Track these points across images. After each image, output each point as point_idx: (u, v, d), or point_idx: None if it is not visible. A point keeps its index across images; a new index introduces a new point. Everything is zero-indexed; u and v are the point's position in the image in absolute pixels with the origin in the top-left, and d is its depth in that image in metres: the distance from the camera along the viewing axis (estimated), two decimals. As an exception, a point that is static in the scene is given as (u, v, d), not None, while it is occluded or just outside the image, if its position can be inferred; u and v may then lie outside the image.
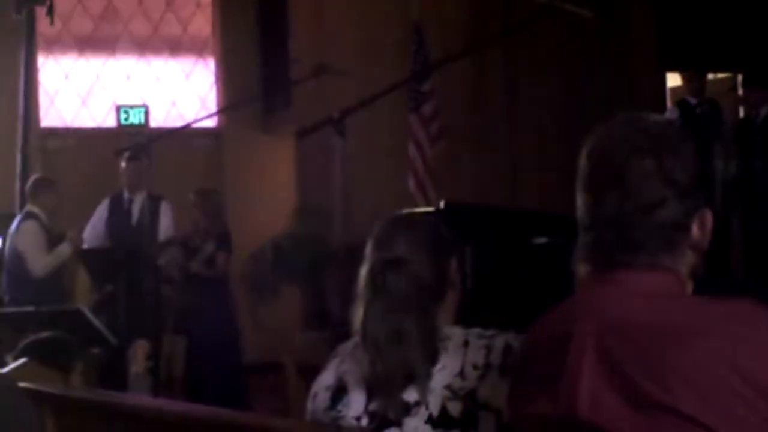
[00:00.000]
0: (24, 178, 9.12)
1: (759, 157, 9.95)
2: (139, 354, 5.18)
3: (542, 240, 5.39)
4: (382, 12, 11.33)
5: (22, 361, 4.03)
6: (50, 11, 8.97)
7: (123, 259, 8.55)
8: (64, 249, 8.78)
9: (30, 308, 7.22)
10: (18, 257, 8.60)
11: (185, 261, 9.15)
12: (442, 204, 5.57)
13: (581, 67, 11.66)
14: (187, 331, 9.22)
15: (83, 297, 9.28)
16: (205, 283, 9.15)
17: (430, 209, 6.45)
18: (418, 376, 2.72)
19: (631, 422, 1.99)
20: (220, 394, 8.60)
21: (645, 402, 1.97)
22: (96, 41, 12.15)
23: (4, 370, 3.81)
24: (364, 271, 2.82)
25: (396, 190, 10.30)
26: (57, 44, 11.92)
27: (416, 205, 9.30)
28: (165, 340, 9.16)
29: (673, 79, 12.60)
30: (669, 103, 12.07)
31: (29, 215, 8.74)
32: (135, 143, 7.98)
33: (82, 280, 9.42)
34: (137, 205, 9.11)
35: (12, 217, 8.95)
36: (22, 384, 3.53)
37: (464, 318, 2.96)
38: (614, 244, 2.15)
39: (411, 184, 10.14)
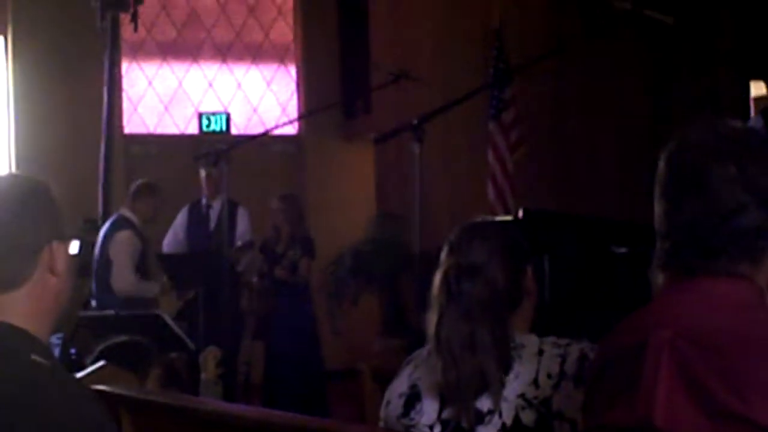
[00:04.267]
0: (106, 185, 9.18)
1: None
2: (209, 361, 5.19)
3: (622, 249, 5.33)
4: (462, 18, 11.30)
5: (99, 364, 4.07)
6: (134, 18, 9.04)
7: (201, 264, 8.58)
8: (152, 288, 8.60)
9: (110, 312, 7.26)
10: (106, 265, 8.48)
11: (268, 267, 9.16)
12: (520, 212, 5.53)
13: (663, 75, 11.54)
14: (267, 337, 9.24)
15: (167, 303, 9.36)
16: (286, 289, 9.16)
17: (509, 217, 6.41)
18: (492, 384, 2.70)
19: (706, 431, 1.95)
20: (298, 400, 8.62)
21: (721, 412, 1.94)
22: (179, 48, 12.27)
23: (82, 373, 3.84)
24: (438, 277, 2.80)
25: (475, 197, 10.26)
26: (141, 51, 12.06)
27: (495, 213, 9.26)
28: (244, 346, 9.19)
29: (757, 88, 12.43)
30: (753, 112, 11.91)
31: (124, 221, 8.56)
32: (213, 149, 8.02)
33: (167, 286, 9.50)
34: (215, 211, 9.17)
35: (94, 223, 9.02)
36: (99, 387, 3.56)
37: (541, 327, 2.93)
38: (692, 251, 2.11)
39: (490, 191, 10.08)
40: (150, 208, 8.70)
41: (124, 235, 8.46)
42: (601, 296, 5.21)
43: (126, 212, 8.61)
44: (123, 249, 8.46)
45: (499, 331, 2.73)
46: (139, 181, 8.85)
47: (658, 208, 2.20)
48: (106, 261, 8.48)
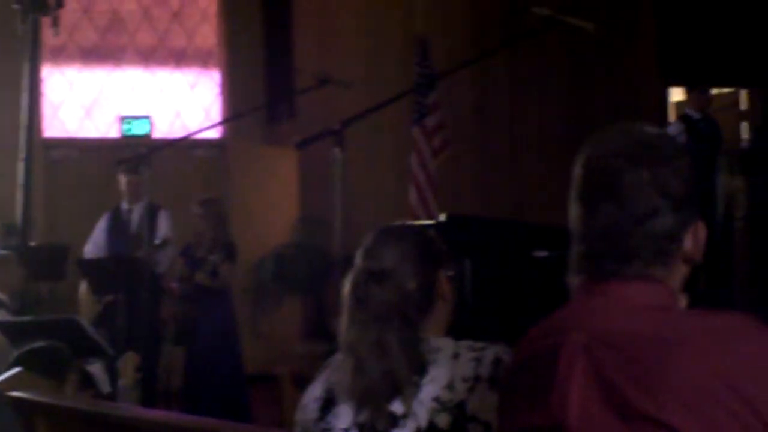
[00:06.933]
0: (26, 189, 9.06)
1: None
2: (128, 366, 5.15)
3: (543, 253, 5.37)
4: (387, 24, 11.33)
5: (15, 370, 4.01)
6: (55, 22, 8.93)
7: (121, 269, 8.51)
8: None
9: (27, 317, 7.14)
10: None
11: (189, 272, 9.12)
12: (442, 216, 5.55)
13: (585, 80, 11.65)
14: (188, 342, 9.18)
15: (87, 308, 9.27)
16: (207, 294, 9.12)
17: (431, 222, 6.43)
18: (403, 388, 2.70)
19: (619, 434, 1.96)
20: (219, 405, 8.58)
21: (633, 414, 1.95)
22: (101, 52, 12.17)
23: (-2, 380, 3.79)
24: (348, 282, 2.81)
25: (398, 202, 10.29)
26: (62, 55, 11.95)
27: (417, 217, 9.29)
28: (164, 351, 9.14)
29: (677, 94, 12.61)
30: (672, 118, 12.07)
31: None
32: (134, 154, 7.95)
33: (85, 291, 9.41)
34: (136, 215, 9.13)
35: (14, 228, 8.91)
36: (14, 393, 3.51)
37: (463, 330, 2.94)
38: (607, 254, 2.13)
39: (413, 196, 10.11)
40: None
41: None
42: (522, 300, 5.24)
43: None
44: None
45: (409, 335, 2.74)
46: None
47: (573, 211, 2.22)
48: None
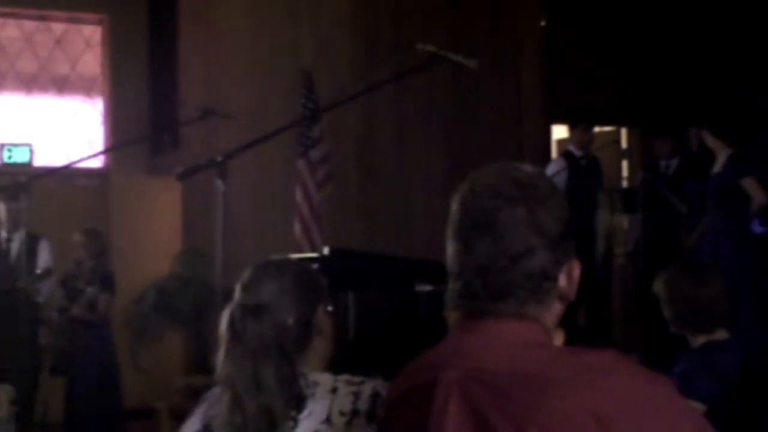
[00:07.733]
0: None
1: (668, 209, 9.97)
2: (2, 398, 5.05)
3: (426, 287, 5.39)
4: (273, 57, 11.32)
5: None
6: (-65, 46, 8.80)
7: (-1, 299, 8.38)
8: None
9: None
10: None
11: (67, 303, 9.00)
12: (326, 250, 5.56)
13: (470, 115, 11.76)
14: (67, 374, 9.05)
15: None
16: (86, 326, 9.02)
17: (314, 255, 6.43)
18: (280, 423, 2.69)
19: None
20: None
21: (507, 451, 1.96)
22: (-19, 78, 11.97)
23: None
24: (224, 317, 2.79)
25: (282, 235, 10.25)
26: (-59, 80, 11.73)
27: (301, 251, 9.27)
28: (42, 383, 8.99)
29: (559, 131, 12.80)
30: (554, 154, 12.25)
31: None
32: (14, 182, 7.83)
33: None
34: (15, 244, 8.99)
35: None
36: None
37: (345, 363, 2.94)
38: (482, 291, 2.14)
39: (297, 229, 10.08)
40: None
41: None
42: (405, 333, 5.25)
43: None
44: None
45: (286, 370, 2.73)
46: None
47: (450, 249, 2.23)
48: None
